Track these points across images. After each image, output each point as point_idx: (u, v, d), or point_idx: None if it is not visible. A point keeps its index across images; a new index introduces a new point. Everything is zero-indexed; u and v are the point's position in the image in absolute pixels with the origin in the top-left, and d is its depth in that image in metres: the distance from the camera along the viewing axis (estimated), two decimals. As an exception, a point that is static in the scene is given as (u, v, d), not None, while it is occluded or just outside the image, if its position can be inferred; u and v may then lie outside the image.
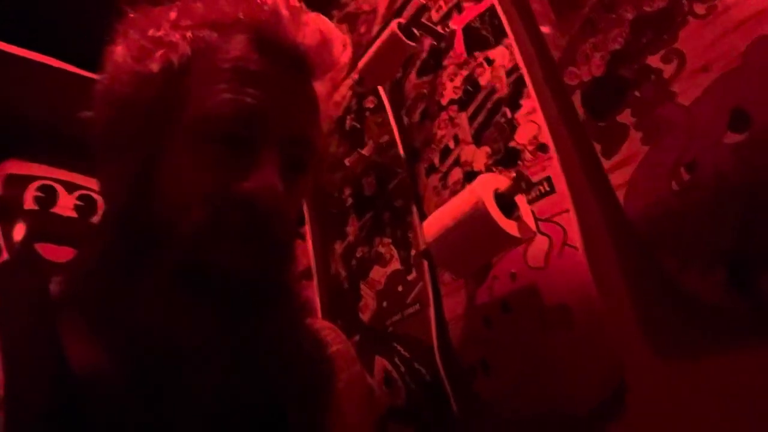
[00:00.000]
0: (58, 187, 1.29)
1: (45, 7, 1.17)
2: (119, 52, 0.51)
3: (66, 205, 1.29)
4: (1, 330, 0.45)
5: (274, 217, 0.47)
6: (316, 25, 0.53)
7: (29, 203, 1.23)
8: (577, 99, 0.71)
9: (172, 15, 0.51)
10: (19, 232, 1.21)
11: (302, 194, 0.55)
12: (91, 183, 1.18)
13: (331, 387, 0.58)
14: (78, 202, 1.30)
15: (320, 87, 0.56)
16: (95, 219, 1.29)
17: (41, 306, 0.48)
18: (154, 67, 0.49)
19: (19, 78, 1.13)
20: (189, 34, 0.49)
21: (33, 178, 1.26)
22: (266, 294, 0.48)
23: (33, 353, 0.45)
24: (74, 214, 1.29)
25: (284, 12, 0.51)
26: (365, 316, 1.04)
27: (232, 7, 0.51)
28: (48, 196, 1.27)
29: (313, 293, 1.21)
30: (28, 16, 1.17)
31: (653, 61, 0.63)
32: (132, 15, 0.52)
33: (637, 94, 0.64)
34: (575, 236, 0.68)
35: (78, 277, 0.51)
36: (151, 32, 0.50)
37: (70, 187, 1.30)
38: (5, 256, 1.17)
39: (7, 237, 1.19)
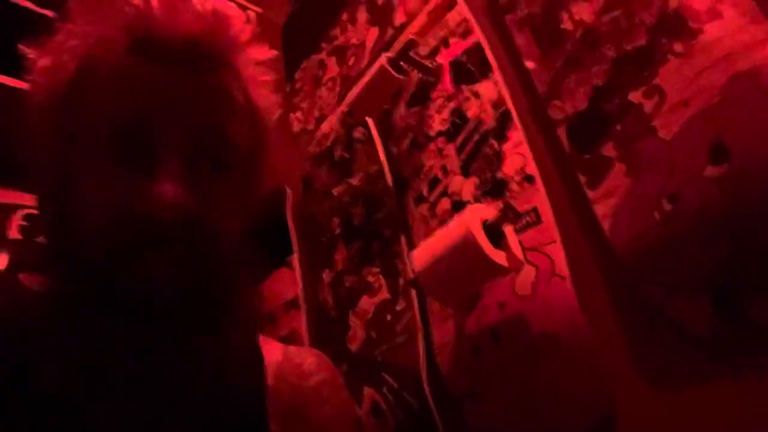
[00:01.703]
0: (44, 215, 1.28)
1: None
2: (27, 88, 0.50)
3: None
4: None
5: (185, 227, 0.44)
6: (196, 10, 0.47)
7: (14, 232, 1.22)
8: (562, 132, 0.73)
9: (59, 38, 0.49)
10: (1, 261, 1.19)
11: (236, 196, 0.50)
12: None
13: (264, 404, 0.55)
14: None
15: (228, 74, 0.50)
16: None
17: (19, 338, 0.48)
18: (43, 97, 0.48)
19: (3, 106, 1.13)
20: (72, 55, 0.48)
21: (18, 207, 1.25)
22: (190, 312, 0.45)
23: (8, 382, 0.45)
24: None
25: (155, 7, 0.46)
26: (353, 346, 1.04)
27: (110, 15, 0.48)
28: (33, 225, 1.25)
29: (300, 322, 1.20)
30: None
31: (635, 96, 0.65)
32: (30, 53, 0.50)
33: (619, 128, 0.66)
34: (562, 266, 0.70)
35: (38, 306, 0.51)
36: (40, 63, 0.49)
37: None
38: (-13, 285, 1.15)
39: (-10, 266, 1.18)
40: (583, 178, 0.69)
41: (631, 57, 0.66)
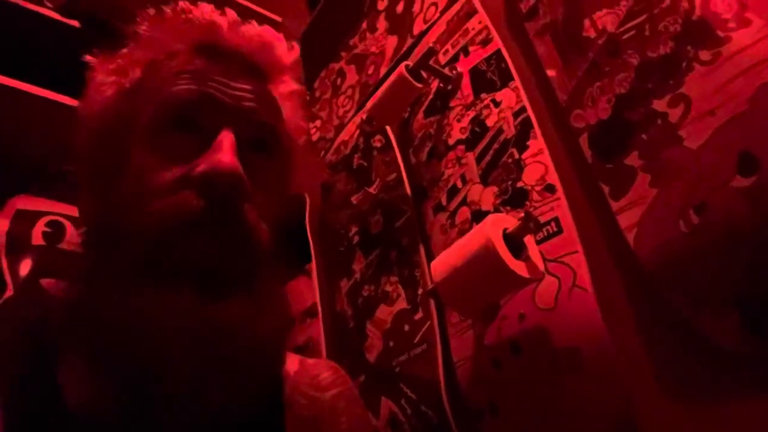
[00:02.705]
0: (66, 222, 1.30)
1: (63, 48, 1.20)
2: (87, 93, 0.56)
3: (73, 240, 1.29)
4: (4, 363, 0.45)
5: (235, 195, 0.47)
6: (255, 32, 0.57)
7: (37, 239, 1.24)
8: (584, 141, 0.72)
9: (125, 50, 0.56)
10: (25, 267, 1.21)
11: (276, 180, 0.55)
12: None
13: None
14: (85, 238, 1.30)
15: (277, 90, 0.58)
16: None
17: (40, 343, 0.49)
18: (109, 92, 0.54)
19: (29, 114, 1.15)
20: (139, 60, 0.55)
21: (42, 214, 1.27)
22: (236, 276, 0.47)
23: (30, 392, 0.45)
24: (80, 249, 1.30)
25: (222, 23, 0.55)
26: (371, 356, 1.03)
27: (177, 31, 0.55)
28: (56, 232, 1.27)
29: (318, 331, 1.20)
30: (46, 56, 1.20)
31: (659, 105, 0.63)
32: (93, 59, 0.57)
33: (644, 137, 0.65)
34: (584, 277, 0.68)
35: (67, 304, 0.51)
36: (107, 66, 0.56)
37: (78, 223, 1.31)
38: (10, 291, 1.17)
39: (14, 272, 1.19)
40: (606, 188, 0.68)
41: (655, 65, 0.65)
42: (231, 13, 0.56)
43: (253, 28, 0.57)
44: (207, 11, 0.56)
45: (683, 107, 0.61)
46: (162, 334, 0.43)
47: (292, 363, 0.61)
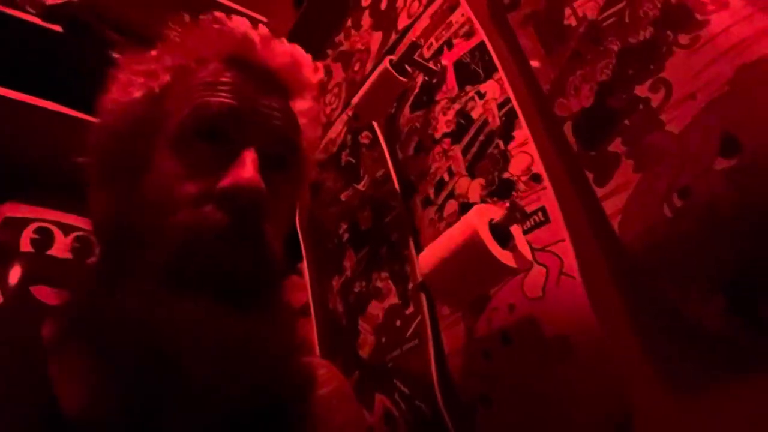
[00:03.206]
0: (55, 229, 1.29)
1: (47, 54, 1.20)
2: (110, 91, 0.56)
3: (62, 247, 1.28)
4: None
5: (256, 212, 0.48)
6: (286, 50, 0.58)
7: (25, 246, 1.23)
8: (568, 129, 0.72)
9: (154, 53, 0.57)
10: (14, 275, 1.20)
11: (290, 197, 0.57)
12: (87, 224, 1.18)
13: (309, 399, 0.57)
14: (74, 244, 1.29)
15: (296, 106, 0.59)
16: (90, 260, 1.29)
17: (32, 351, 0.48)
18: (137, 93, 0.54)
19: (16, 121, 1.14)
20: (168, 65, 0.55)
21: (30, 221, 1.26)
22: (253, 290, 0.48)
23: (23, 400, 0.45)
24: (70, 256, 1.29)
25: (255, 38, 0.56)
26: (364, 352, 1.03)
27: (208, 40, 0.56)
28: (44, 239, 1.26)
29: (311, 329, 1.20)
30: (31, 62, 1.19)
31: (641, 90, 0.64)
32: (120, 59, 0.57)
33: (626, 123, 0.65)
34: (572, 265, 0.68)
35: (71, 309, 0.51)
36: (134, 68, 0.56)
37: (67, 229, 1.30)
38: (0, 299, 1.16)
39: (3, 280, 1.18)
40: (590, 176, 0.68)
41: (636, 51, 0.65)
42: (263, 29, 0.57)
43: (283, 45, 0.58)
44: (241, 24, 0.56)
45: (664, 92, 0.61)
46: (179, 341, 0.43)
47: None
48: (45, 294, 1.17)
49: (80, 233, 1.31)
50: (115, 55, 0.57)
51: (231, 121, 0.50)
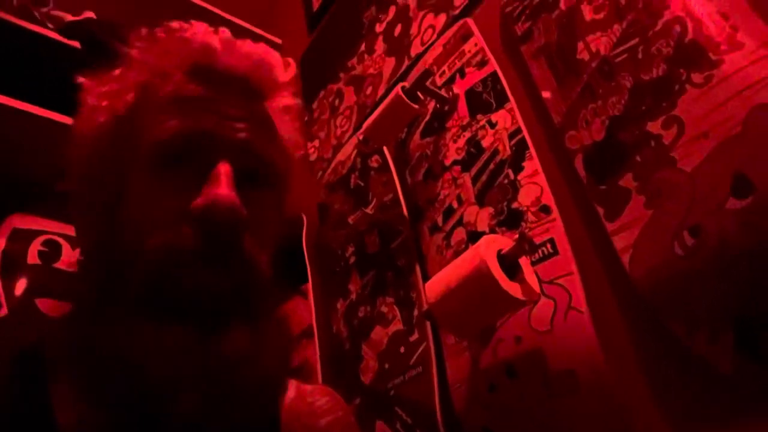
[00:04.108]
0: (63, 242, 1.29)
1: (56, 66, 1.21)
2: (78, 118, 0.55)
3: (69, 260, 1.29)
4: None
5: (233, 229, 0.47)
6: (250, 50, 0.55)
7: (33, 258, 1.23)
8: (578, 162, 0.72)
9: (117, 72, 0.55)
10: (20, 286, 1.20)
11: (272, 208, 0.54)
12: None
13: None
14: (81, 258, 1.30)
15: (273, 105, 0.57)
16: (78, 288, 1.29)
17: (34, 364, 0.48)
18: (103, 118, 0.53)
19: (25, 133, 1.15)
20: (131, 83, 0.53)
21: (38, 233, 1.27)
22: (237, 310, 0.46)
23: (21, 413, 0.45)
24: (76, 269, 1.29)
25: (215, 44, 0.53)
26: (366, 378, 1.02)
27: (169, 52, 0.54)
28: (52, 251, 1.27)
29: (314, 352, 1.19)
30: (44, 75, 1.20)
31: (653, 127, 0.64)
32: (86, 82, 0.55)
33: (638, 158, 0.65)
34: (580, 299, 0.68)
35: (62, 329, 0.51)
36: (99, 90, 0.54)
37: (74, 242, 1.31)
38: (5, 311, 1.16)
39: (8, 292, 1.19)
40: (601, 210, 0.68)
41: (648, 87, 0.65)
42: (224, 32, 0.55)
43: (247, 46, 0.55)
44: (200, 31, 0.54)
45: (676, 129, 0.61)
46: (162, 368, 0.43)
47: (289, 389, 0.61)
48: (49, 307, 1.17)
49: (87, 247, 1.31)
50: (81, 79, 0.55)
51: (196, 143, 0.49)
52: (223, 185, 0.46)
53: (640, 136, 0.65)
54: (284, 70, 0.58)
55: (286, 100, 0.59)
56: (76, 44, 1.23)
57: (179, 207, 0.46)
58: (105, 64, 0.55)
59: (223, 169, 0.48)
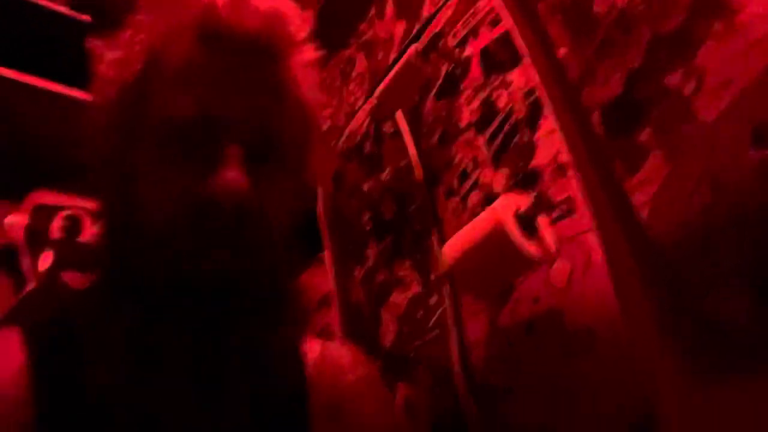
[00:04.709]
0: (84, 216, 1.32)
1: (76, 43, 1.21)
2: (91, 90, 0.54)
3: (92, 233, 1.31)
4: (29, 355, 0.46)
5: (242, 216, 0.46)
6: (260, 6, 0.50)
7: (56, 232, 1.26)
8: (596, 119, 0.71)
9: (127, 34, 0.52)
10: (45, 260, 1.23)
11: (285, 193, 0.53)
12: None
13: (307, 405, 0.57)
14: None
15: (285, 72, 0.53)
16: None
17: (65, 332, 0.49)
18: (113, 88, 0.51)
19: (44, 109, 1.17)
20: (140, 48, 0.51)
21: (60, 208, 1.29)
22: (247, 300, 0.47)
23: (59, 379, 0.46)
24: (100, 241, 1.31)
25: (222, 3, 0.49)
26: (386, 342, 1.03)
27: (177, 12, 0.51)
28: (74, 225, 1.29)
29: (333, 319, 1.21)
30: (58, 51, 1.21)
31: (672, 79, 0.62)
32: (96, 46, 0.54)
33: (656, 112, 0.64)
34: (598, 257, 0.68)
35: (84, 304, 0.52)
36: (109, 57, 0.53)
37: (95, 216, 1.33)
38: (32, 284, 1.19)
39: (34, 266, 1.22)
40: (619, 166, 0.67)
41: (667, 39, 0.63)
42: None
43: (253, 4, 0.50)
44: None
45: (696, 81, 0.60)
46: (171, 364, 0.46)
47: (314, 349, 0.61)
48: (76, 279, 1.20)
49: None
50: (91, 45, 0.54)
51: (205, 124, 0.47)
52: (233, 171, 0.46)
53: (659, 89, 0.63)
54: (297, 21, 0.53)
55: (307, 54, 0.55)
56: (87, 18, 1.23)
57: (188, 192, 0.46)
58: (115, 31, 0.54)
59: (232, 150, 0.47)
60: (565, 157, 0.74)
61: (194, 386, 0.48)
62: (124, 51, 0.52)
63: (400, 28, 1.19)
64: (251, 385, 0.51)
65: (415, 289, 0.99)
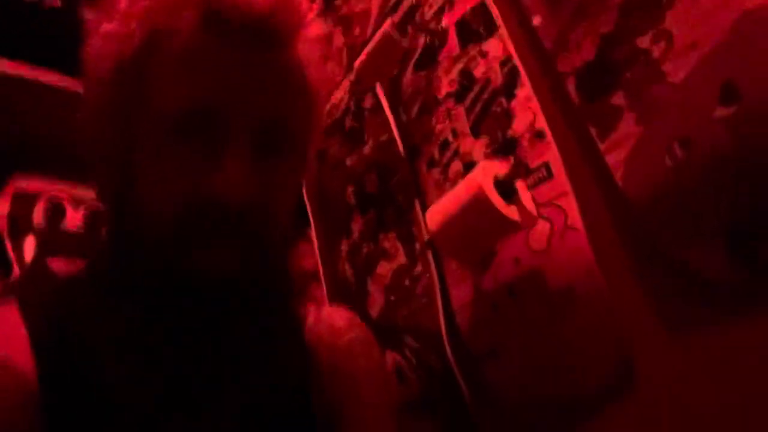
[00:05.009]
0: (66, 202, 1.31)
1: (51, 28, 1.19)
2: (85, 56, 0.49)
3: (73, 219, 1.31)
4: (30, 334, 0.46)
5: (248, 212, 0.45)
6: None
7: (38, 219, 1.25)
8: (570, 84, 0.72)
9: (125, 3, 0.48)
10: (29, 248, 1.23)
11: (290, 180, 0.52)
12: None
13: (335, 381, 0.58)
14: (86, 216, 1.31)
15: (293, 53, 0.50)
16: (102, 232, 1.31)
17: (59, 318, 0.49)
18: (108, 64, 0.48)
19: (24, 96, 1.15)
20: (138, 21, 0.47)
21: (41, 195, 1.28)
22: (253, 296, 0.47)
23: (58, 358, 0.46)
24: (82, 229, 1.31)
25: None
26: (374, 312, 1.05)
27: None
28: (56, 212, 1.29)
29: (321, 293, 1.23)
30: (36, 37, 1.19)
31: (642, 42, 0.64)
32: (91, 19, 0.49)
33: (628, 75, 0.65)
34: (576, 218, 0.70)
35: (78, 290, 0.51)
36: (104, 28, 0.48)
37: (77, 202, 1.32)
38: (16, 272, 1.18)
39: (18, 254, 1.21)
40: (593, 129, 0.69)
41: (637, 2, 0.65)
42: None
43: None
44: None
45: (665, 43, 0.62)
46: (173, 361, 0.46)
47: (310, 313, 0.63)
48: (61, 266, 1.20)
49: (90, 206, 1.33)
50: (87, 16, 0.49)
51: (216, 117, 0.45)
52: (240, 166, 0.44)
53: (630, 52, 0.65)
54: (307, 7, 0.51)
55: (315, 29, 0.52)
56: (57, 3, 1.20)
57: (192, 187, 0.44)
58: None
59: (241, 146, 0.45)
60: (541, 123, 0.76)
61: (194, 386, 0.48)
62: (121, 23, 0.48)
63: (376, 1, 1.18)
64: (252, 381, 0.51)
65: (401, 259, 1.00)
